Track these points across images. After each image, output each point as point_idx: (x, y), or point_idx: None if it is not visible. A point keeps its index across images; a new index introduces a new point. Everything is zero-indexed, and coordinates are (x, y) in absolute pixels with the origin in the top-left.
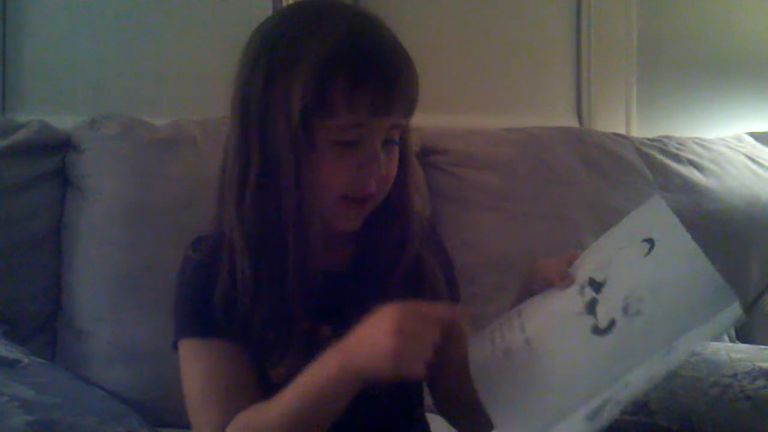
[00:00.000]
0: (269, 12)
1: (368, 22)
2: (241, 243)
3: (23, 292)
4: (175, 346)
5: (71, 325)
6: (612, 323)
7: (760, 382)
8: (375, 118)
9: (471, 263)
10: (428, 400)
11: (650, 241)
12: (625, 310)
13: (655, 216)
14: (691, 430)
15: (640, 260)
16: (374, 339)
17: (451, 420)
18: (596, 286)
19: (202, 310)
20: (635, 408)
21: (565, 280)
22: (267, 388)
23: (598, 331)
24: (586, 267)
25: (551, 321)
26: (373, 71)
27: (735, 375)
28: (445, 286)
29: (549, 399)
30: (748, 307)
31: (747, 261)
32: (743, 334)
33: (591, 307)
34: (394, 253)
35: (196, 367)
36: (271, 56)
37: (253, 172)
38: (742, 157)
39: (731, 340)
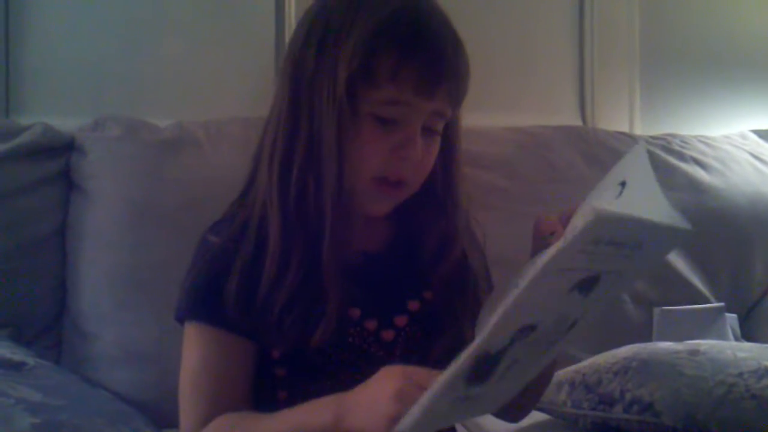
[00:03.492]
0: (271, 13)
1: (423, 1)
2: (278, 214)
3: (28, 294)
4: (179, 320)
5: (76, 326)
6: None
7: (766, 381)
8: (418, 98)
9: None
10: None
11: (623, 184)
12: None
13: (632, 161)
14: (696, 429)
15: (613, 202)
16: (373, 401)
17: None
18: None
19: (213, 296)
20: (640, 408)
21: (554, 235)
22: (273, 384)
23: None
24: (576, 218)
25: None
26: (421, 48)
27: (740, 374)
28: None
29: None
30: (753, 306)
31: (751, 259)
32: (748, 332)
33: None
34: (439, 248)
35: (195, 353)
36: (325, 25)
37: (301, 141)
38: (747, 155)
39: (737, 339)
